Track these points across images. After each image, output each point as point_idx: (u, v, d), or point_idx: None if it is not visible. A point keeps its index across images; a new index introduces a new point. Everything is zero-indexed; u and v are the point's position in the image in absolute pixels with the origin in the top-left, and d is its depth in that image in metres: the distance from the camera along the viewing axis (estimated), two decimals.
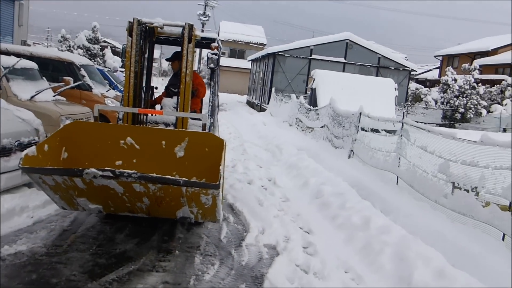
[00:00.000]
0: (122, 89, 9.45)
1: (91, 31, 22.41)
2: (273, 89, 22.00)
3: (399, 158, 7.03)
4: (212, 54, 5.95)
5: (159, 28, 5.49)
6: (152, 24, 5.35)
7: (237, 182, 7.19)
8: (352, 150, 9.39)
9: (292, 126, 15.11)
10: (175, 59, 6.26)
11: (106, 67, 22.61)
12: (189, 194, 3.71)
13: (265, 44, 49.02)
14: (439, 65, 48.29)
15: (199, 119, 5.63)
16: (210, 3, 46.25)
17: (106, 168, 3.55)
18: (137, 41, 5.21)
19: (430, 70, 49.32)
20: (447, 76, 25.18)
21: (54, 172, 3.67)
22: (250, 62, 34.05)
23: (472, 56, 37.89)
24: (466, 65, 25.31)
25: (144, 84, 5.63)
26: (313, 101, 16.72)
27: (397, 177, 7.06)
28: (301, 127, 14.32)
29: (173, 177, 3.70)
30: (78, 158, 4.54)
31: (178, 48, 5.78)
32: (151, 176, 3.60)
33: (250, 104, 30.49)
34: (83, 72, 9.73)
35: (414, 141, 6.52)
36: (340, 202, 5.99)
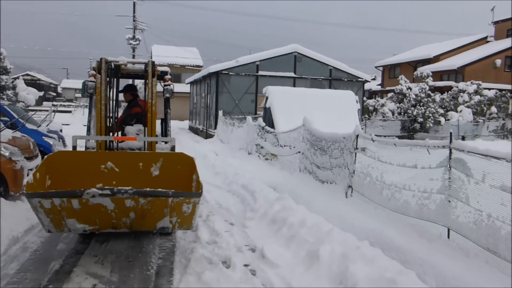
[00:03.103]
0: (26, 126, 8.66)
1: None
2: (220, 112, 19.41)
3: (450, 201, 4.64)
4: (166, 85, 6.74)
5: (123, 65, 6.31)
6: (118, 62, 6.22)
7: (208, 265, 4.47)
8: (350, 186, 6.96)
9: (252, 154, 12.54)
10: (127, 91, 7.14)
11: (20, 101, 18.99)
12: (173, 204, 4.11)
13: (201, 66, 46.59)
14: (374, 76, 48.05)
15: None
16: (139, 25, 43.18)
17: (105, 187, 3.96)
18: (105, 77, 5.79)
19: (368, 81, 48.92)
20: (401, 85, 23.87)
21: (55, 195, 3.90)
22: (189, 85, 31.33)
23: (413, 64, 37.52)
24: (418, 73, 24.18)
25: (111, 115, 6.46)
26: (268, 122, 14.32)
27: (448, 230, 4.67)
28: (264, 155, 11.80)
29: (163, 190, 4.07)
30: (60, 184, 4.88)
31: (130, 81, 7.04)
32: (145, 191, 3.98)
33: (193, 130, 27.65)
34: None
35: (483, 178, 4.15)
36: None
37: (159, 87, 6.55)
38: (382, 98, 35.18)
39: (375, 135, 6.72)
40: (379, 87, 43.14)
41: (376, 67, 43.05)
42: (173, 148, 5.74)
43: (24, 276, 4.16)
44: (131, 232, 5.58)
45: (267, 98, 15.66)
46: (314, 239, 4.91)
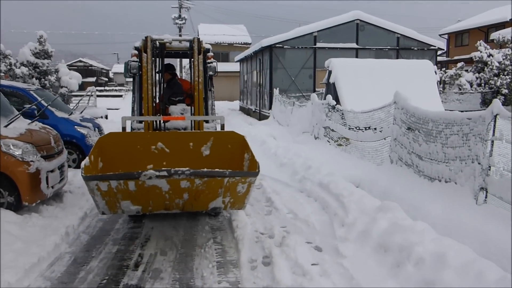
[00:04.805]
0: (55, 114, 8.11)
1: (37, 42, 17.58)
2: (276, 90, 17.42)
3: None
4: (209, 63, 6.42)
5: (168, 43, 6.24)
6: (163, 40, 6.18)
7: None
8: (483, 189, 4.84)
9: (320, 138, 10.53)
10: (165, 70, 6.51)
11: (62, 86, 17.89)
12: (228, 184, 3.99)
13: (250, 43, 44.63)
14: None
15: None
16: (184, 4, 41.62)
17: (163, 168, 3.80)
18: (151, 56, 5.82)
19: (442, 49, 44.78)
20: (481, 52, 20.75)
21: (112, 177, 3.83)
22: (239, 63, 29.48)
23: (485, 30, 33.62)
24: (500, 37, 20.88)
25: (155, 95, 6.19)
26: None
27: None
28: (336, 140, 9.76)
29: (220, 170, 3.96)
30: (112, 166, 4.88)
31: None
32: (202, 171, 3.90)
33: (245, 111, 25.89)
34: None
35: None
36: None
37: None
38: (448, 68, 31.82)
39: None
40: (444, 57, 39.31)
41: (440, 35, 39.15)
42: (222, 126, 5.62)
43: None
44: (173, 267, 3.87)
45: (330, 72, 13.51)
46: None
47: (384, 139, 7.52)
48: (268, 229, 4.86)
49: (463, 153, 5.25)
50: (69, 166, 8.17)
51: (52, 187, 5.67)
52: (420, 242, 3.72)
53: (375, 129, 7.90)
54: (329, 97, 10.53)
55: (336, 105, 9.95)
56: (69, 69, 18.85)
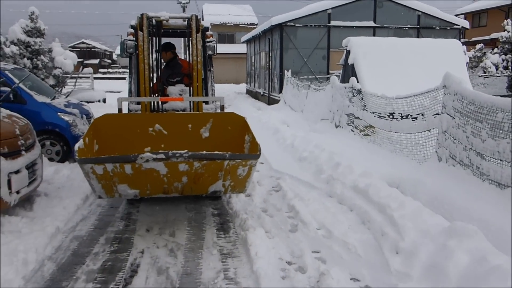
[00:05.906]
0: (34, 98, 7.00)
1: (29, 19, 16.25)
2: (288, 72, 16.04)
3: None
4: (208, 42, 6.14)
5: (164, 21, 5.91)
6: (159, 17, 5.85)
7: None
8: None
9: (343, 127, 9.22)
10: (166, 49, 6.31)
11: (57, 67, 16.60)
12: (228, 167, 3.87)
13: (256, 24, 42.93)
14: None
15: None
16: None
17: (160, 151, 3.72)
18: (147, 34, 5.49)
19: (466, 28, 42.99)
20: (508, 32, 19.22)
21: (108, 160, 3.71)
22: (246, 43, 27.99)
23: (505, 9, 31.87)
24: None
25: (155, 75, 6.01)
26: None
27: None
28: (362, 130, 8.46)
29: (219, 152, 3.83)
30: (108, 149, 4.71)
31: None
32: (200, 154, 3.76)
33: (252, 94, 24.52)
34: None
35: None
36: None
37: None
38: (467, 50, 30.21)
39: None
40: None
41: (456, 15, 37.31)
42: (222, 108, 5.44)
43: None
44: None
45: (348, 52, 12.15)
46: None
47: (429, 130, 6.23)
48: (297, 256, 3.63)
49: None
50: (52, 160, 6.99)
51: (18, 192, 4.45)
52: None
53: (415, 118, 6.60)
54: (353, 79, 9.19)
55: (360, 89, 8.62)
56: (70, 51, 17.53)
